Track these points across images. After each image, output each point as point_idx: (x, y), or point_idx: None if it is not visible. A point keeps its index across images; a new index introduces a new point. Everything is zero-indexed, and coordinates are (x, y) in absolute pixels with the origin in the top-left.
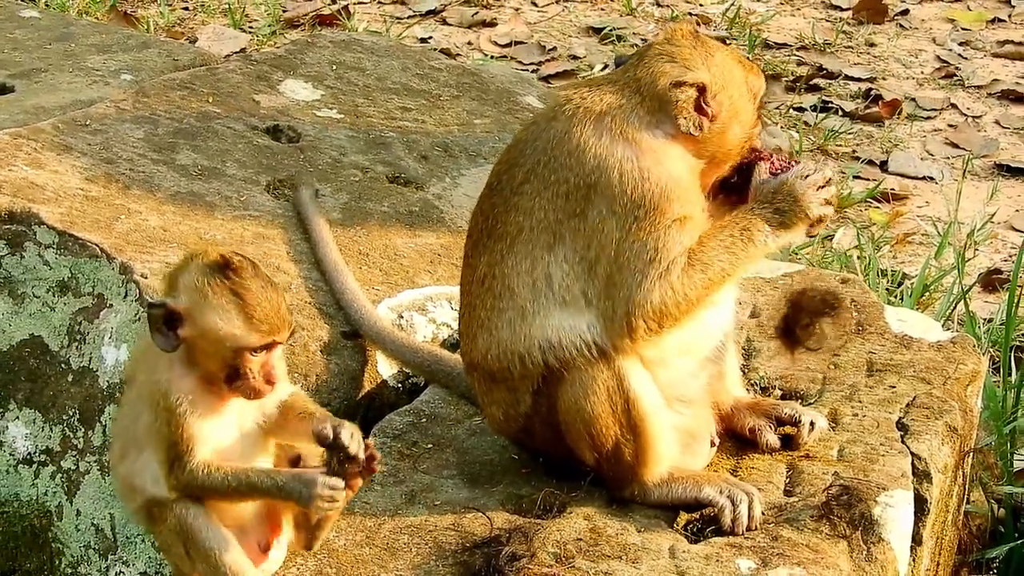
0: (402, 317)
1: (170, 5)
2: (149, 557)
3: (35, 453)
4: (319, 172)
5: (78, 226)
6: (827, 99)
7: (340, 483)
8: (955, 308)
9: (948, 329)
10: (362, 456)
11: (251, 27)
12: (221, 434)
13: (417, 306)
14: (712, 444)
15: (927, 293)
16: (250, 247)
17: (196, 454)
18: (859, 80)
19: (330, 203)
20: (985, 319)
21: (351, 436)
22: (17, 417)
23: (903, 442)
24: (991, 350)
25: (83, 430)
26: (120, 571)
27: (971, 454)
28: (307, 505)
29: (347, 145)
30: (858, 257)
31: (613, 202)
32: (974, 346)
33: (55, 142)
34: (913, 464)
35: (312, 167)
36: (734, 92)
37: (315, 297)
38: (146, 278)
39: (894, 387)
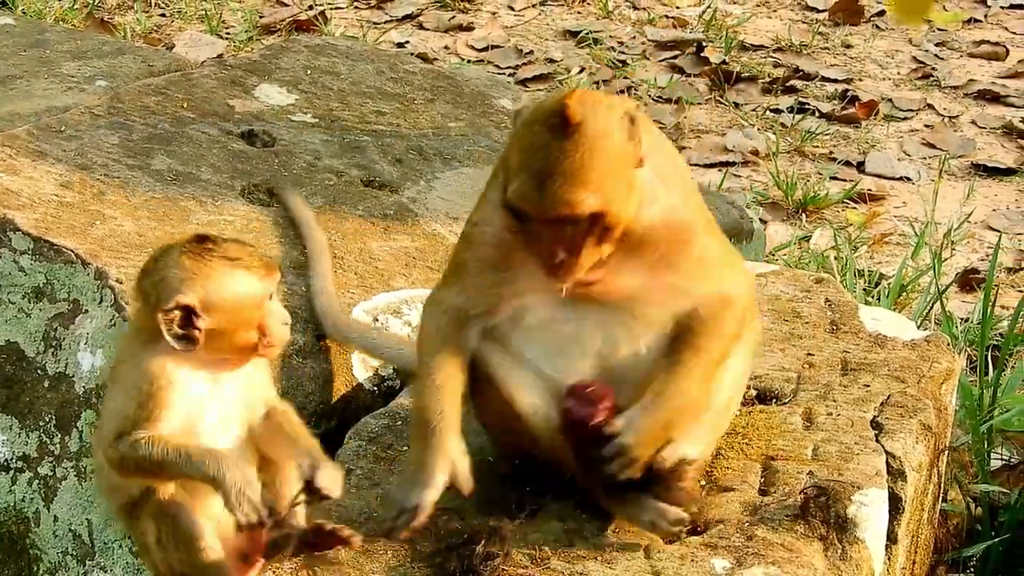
0: (377, 320)
1: (147, 12)
2: (127, 563)
3: (12, 459)
4: (294, 176)
5: (53, 232)
6: (804, 100)
7: (256, 506)
8: (932, 308)
9: (924, 328)
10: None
11: (228, 33)
12: (205, 428)
13: (392, 309)
14: None
15: (904, 293)
16: None
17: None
18: (836, 81)
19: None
20: (962, 318)
21: (331, 480)
22: None
23: (878, 441)
24: (968, 349)
25: (60, 436)
26: None
27: (946, 452)
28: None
29: (321, 149)
30: (835, 258)
31: (473, 209)
32: (948, 344)
33: (30, 148)
34: (888, 463)
35: (287, 171)
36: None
37: (290, 301)
38: (121, 283)
39: (868, 386)
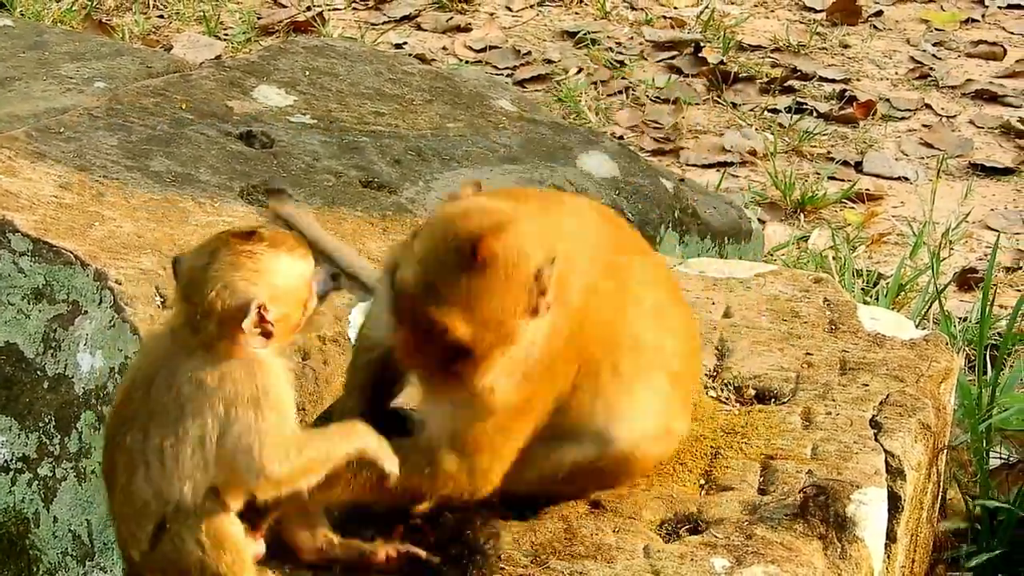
0: None
1: (145, 13)
2: None
3: (12, 460)
4: (292, 177)
5: (52, 233)
6: (802, 100)
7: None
8: (931, 307)
9: (923, 328)
10: None
11: (226, 34)
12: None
13: None
14: None
15: (902, 292)
16: None
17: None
18: (833, 81)
19: (303, 208)
20: (961, 318)
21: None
22: None
23: (877, 440)
24: (967, 348)
25: (59, 437)
26: None
27: (945, 451)
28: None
29: (320, 150)
30: (833, 257)
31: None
32: (947, 343)
33: (29, 149)
34: (887, 462)
35: (285, 172)
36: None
37: None
38: (120, 284)
39: (867, 385)
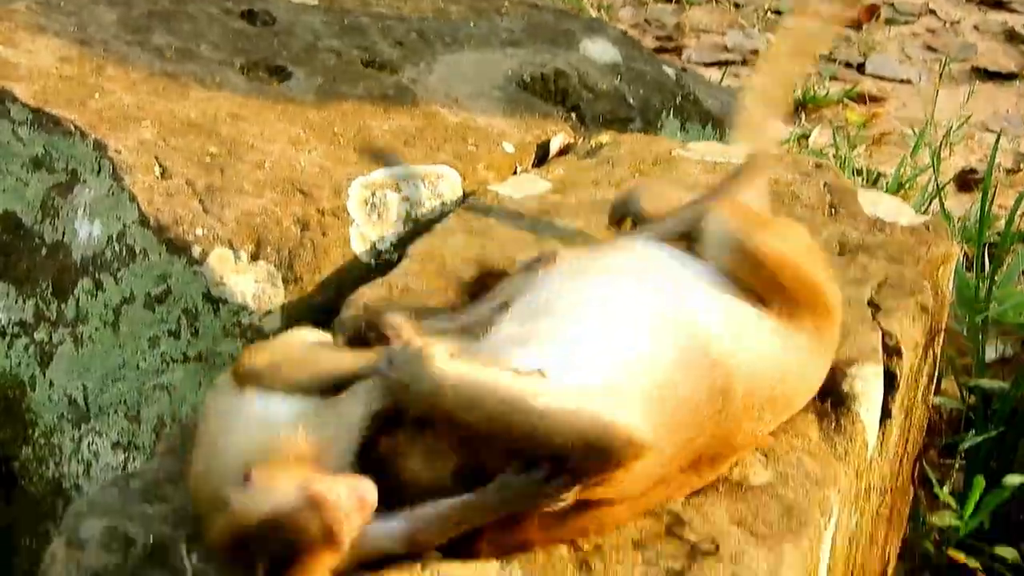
0: (375, 194)
1: None
2: (121, 428)
3: (8, 325)
4: (293, 55)
5: (52, 103)
6: None
7: None
8: (930, 205)
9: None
10: None
11: None
12: None
13: (390, 184)
14: None
15: (902, 190)
16: (224, 126)
17: None
18: None
19: (304, 86)
20: (960, 217)
21: None
22: None
23: (875, 319)
24: (965, 247)
25: (56, 303)
26: (92, 441)
27: (942, 334)
28: None
29: (322, 29)
30: (833, 156)
31: None
32: (947, 230)
33: (29, 22)
34: (884, 341)
35: (286, 50)
36: None
37: (289, 173)
38: (120, 154)
39: (866, 267)
